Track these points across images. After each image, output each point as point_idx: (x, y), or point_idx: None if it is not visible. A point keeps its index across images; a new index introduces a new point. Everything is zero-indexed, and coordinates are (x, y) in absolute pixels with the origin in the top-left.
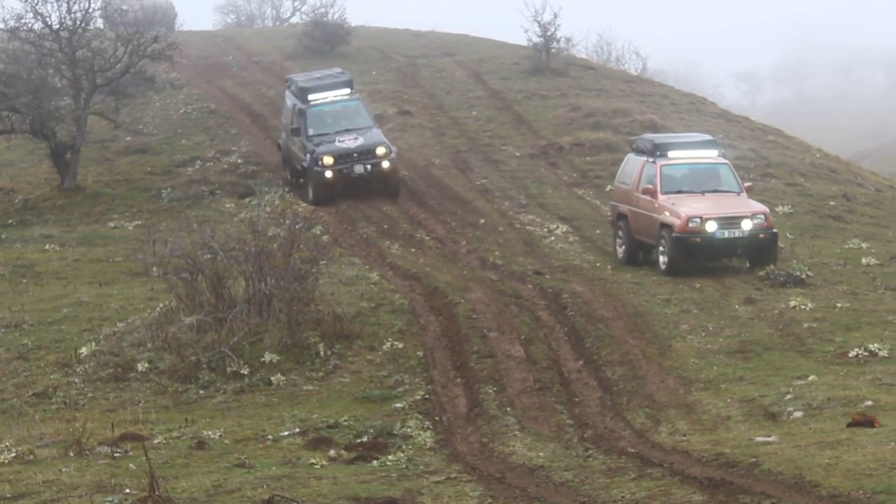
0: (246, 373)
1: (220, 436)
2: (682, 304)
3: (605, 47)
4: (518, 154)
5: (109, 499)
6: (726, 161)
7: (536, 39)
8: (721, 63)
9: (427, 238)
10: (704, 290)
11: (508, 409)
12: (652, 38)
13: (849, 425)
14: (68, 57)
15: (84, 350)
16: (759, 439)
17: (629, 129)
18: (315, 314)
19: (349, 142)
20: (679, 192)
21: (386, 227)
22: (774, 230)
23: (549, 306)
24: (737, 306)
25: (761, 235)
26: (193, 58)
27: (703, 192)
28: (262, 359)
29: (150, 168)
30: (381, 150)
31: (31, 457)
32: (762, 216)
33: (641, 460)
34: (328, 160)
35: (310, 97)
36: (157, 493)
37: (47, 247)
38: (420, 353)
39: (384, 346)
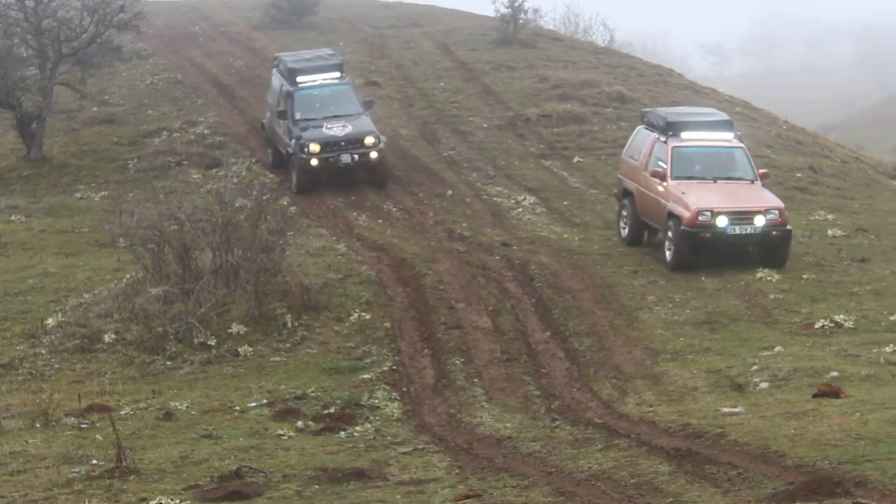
0: (213, 344)
1: (188, 407)
2: (648, 275)
3: (572, 19)
4: (485, 125)
5: (76, 470)
6: (742, 145)
7: (504, 10)
8: (689, 35)
9: (394, 209)
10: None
11: (476, 380)
12: (620, 10)
13: (814, 396)
14: (34, 26)
15: (50, 321)
16: (726, 410)
17: (596, 100)
18: (282, 285)
19: (337, 129)
20: (690, 177)
21: (353, 198)
22: (788, 227)
23: (516, 277)
24: (703, 278)
25: (774, 233)
26: (160, 28)
27: (715, 179)
28: (230, 330)
29: (116, 139)
30: (369, 140)
31: None
32: (776, 212)
33: (608, 431)
34: (314, 147)
35: (298, 79)
36: (124, 463)
37: (13, 217)
38: (387, 325)
39: (351, 318)
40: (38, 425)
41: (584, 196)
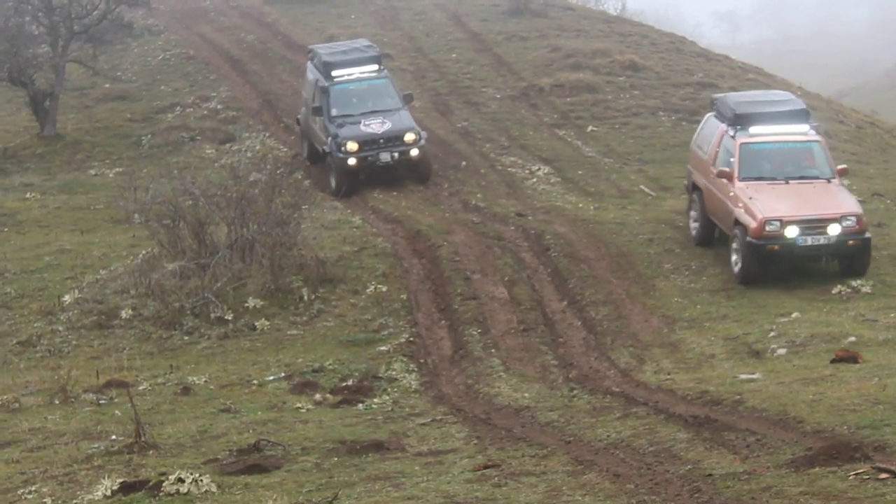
0: (230, 318)
1: (205, 381)
2: (664, 243)
3: None
4: (498, 96)
5: (95, 445)
6: (819, 137)
7: None
8: (701, 2)
9: (409, 181)
10: (687, 230)
11: (493, 350)
12: None
13: (832, 361)
14: (45, 4)
15: (67, 298)
16: (744, 376)
17: (609, 69)
18: (298, 259)
19: (375, 126)
20: (760, 178)
21: None
22: (867, 235)
23: (531, 247)
24: (719, 245)
25: (850, 242)
26: (170, 3)
27: (787, 180)
28: (246, 304)
29: (129, 115)
30: (409, 137)
31: (17, 405)
32: (853, 219)
33: (626, 399)
34: (352, 146)
35: (334, 73)
36: (142, 438)
37: (28, 195)
38: (404, 297)
39: (368, 290)
40: (56, 402)
41: (598, 165)
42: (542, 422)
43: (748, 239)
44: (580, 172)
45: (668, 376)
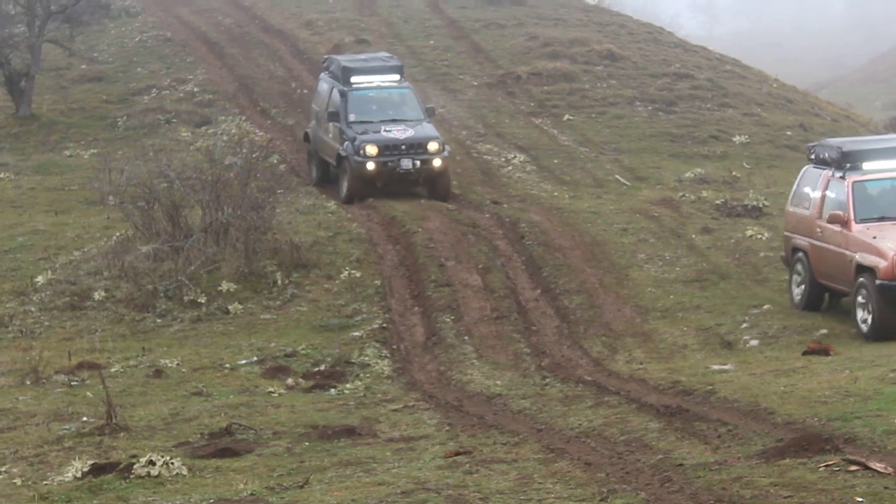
0: (203, 301)
1: (178, 364)
2: (639, 233)
3: None
4: (475, 83)
5: (67, 427)
6: None
7: None
8: None
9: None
10: (662, 220)
11: (466, 337)
12: None
13: (804, 353)
14: None
15: (40, 279)
16: (716, 367)
17: (586, 58)
18: (272, 243)
19: (397, 132)
20: (882, 218)
21: None
22: None
23: (506, 235)
24: (693, 235)
25: None
26: None
27: None
28: (220, 287)
29: (105, 96)
30: (433, 146)
31: None
32: None
33: (598, 388)
34: (372, 150)
35: (353, 79)
36: (114, 421)
37: (2, 175)
38: (377, 282)
39: (342, 275)
40: (28, 382)
41: (574, 154)
42: (514, 409)
43: (878, 281)
44: (556, 161)
45: (641, 366)
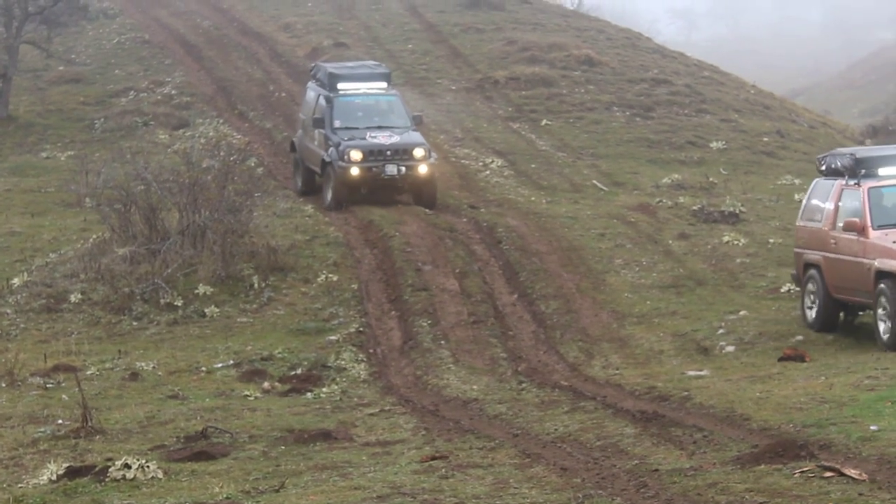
0: (179, 304)
1: (154, 367)
2: (616, 238)
3: None
4: (453, 88)
5: (42, 430)
6: None
7: None
8: None
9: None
10: (639, 225)
11: (442, 342)
12: None
13: (780, 359)
14: None
15: (16, 281)
16: (692, 373)
17: (565, 63)
18: (249, 246)
19: (382, 138)
20: None
21: None
22: None
23: (483, 240)
24: (670, 241)
25: None
26: None
27: None
28: (196, 291)
29: (82, 98)
30: (419, 152)
31: None
32: None
33: (574, 393)
34: (356, 155)
35: (339, 85)
36: (89, 423)
37: None
38: (354, 286)
39: (318, 279)
40: (3, 385)
41: (551, 159)
42: (490, 414)
43: None
44: (533, 166)
45: (617, 371)
